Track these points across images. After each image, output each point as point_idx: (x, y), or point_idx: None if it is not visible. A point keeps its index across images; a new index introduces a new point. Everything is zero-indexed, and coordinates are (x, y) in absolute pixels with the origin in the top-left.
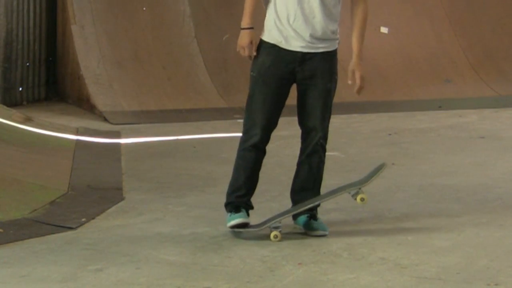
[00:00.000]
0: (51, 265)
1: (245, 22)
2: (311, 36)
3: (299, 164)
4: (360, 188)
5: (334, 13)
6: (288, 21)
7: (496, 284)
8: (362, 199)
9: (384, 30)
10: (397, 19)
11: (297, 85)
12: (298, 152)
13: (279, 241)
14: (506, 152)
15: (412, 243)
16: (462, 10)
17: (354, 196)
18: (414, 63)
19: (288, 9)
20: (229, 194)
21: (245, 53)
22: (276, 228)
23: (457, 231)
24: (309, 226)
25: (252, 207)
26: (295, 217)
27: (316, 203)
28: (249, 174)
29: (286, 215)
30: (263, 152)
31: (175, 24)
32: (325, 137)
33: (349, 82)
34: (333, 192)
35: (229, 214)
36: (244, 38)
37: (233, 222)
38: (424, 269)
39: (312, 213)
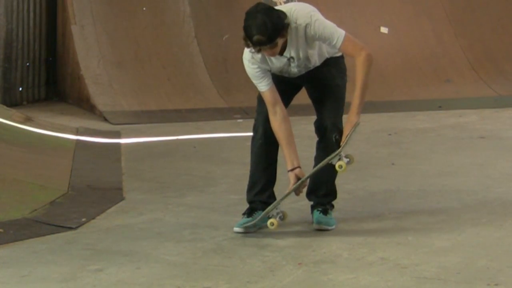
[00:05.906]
0: (51, 265)
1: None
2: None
3: (316, 158)
4: (340, 154)
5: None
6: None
7: (496, 284)
8: (340, 166)
9: (384, 30)
10: (397, 19)
11: (305, 88)
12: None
13: (275, 229)
14: (506, 152)
15: (412, 243)
16: (462, 10)
17: (335, 163)
18: (414, 63)
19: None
20: (247, 191)
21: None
22: (277, 214)
23: (457, 231)
24: (315, 219)
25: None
26: (312, 211)
27: (299, 182)
28: (262, 167)
29: (277, 203)
30: (273, 143)
31: (175, 24)
32: (340, 132)
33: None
34: (317, 166)
35: (242, 215)
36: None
37: (235, 229)
38: (424, 269)
39: (324, 208)
